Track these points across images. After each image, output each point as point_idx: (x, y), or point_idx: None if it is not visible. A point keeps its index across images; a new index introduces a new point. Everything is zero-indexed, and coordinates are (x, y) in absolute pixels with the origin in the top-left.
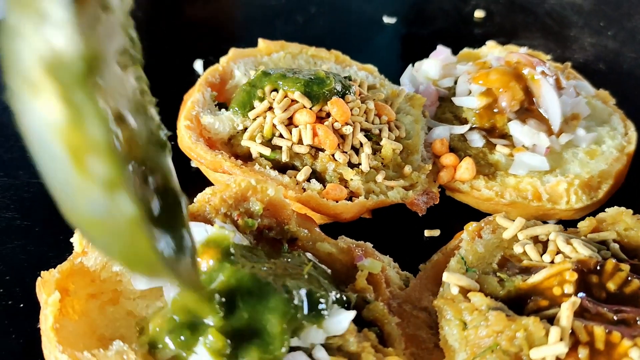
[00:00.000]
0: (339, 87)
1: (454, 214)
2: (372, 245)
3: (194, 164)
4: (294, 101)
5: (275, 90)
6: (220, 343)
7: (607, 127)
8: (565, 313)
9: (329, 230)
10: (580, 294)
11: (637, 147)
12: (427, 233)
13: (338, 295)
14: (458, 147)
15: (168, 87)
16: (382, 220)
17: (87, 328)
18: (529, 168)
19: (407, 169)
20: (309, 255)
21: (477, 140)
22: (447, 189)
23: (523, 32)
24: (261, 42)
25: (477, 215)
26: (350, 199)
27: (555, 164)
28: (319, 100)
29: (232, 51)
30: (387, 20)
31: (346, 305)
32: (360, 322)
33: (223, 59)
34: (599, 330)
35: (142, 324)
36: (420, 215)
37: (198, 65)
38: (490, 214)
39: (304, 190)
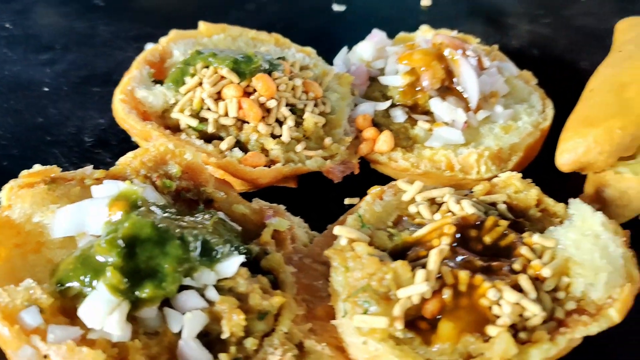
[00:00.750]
0: (266, 65)
1: (375, 184)
2: (285, 207)
3: (134, 139)
4: (223, 77)
5: (207, 67)
6: (116, 279)
7: (526, 105)
8: (433, 258)
9: (255, 197)
10: (453, 244)
11: (554, 125)
12: (347, 201)
13: (240, 247)
14: (382, 122)
15: (121, 69)
16: (307, 189)
17: (8, 272)
18: (445, 141)
19: (328, 140)
20: (220, 213)
21: (399, 116)
22: (369, 160)
23: (466, 19)
24: (201, 24)
25: None
26: (270, 166)
27: (472, 138)
28: (246, 76)
29: (173, 32)
30: (337, 8)
31: (248, 256)
32: (259, 271)
33: (163, 39)
34: (463, 274)
35: (55, 267)
36: (335, 182)
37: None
38: None
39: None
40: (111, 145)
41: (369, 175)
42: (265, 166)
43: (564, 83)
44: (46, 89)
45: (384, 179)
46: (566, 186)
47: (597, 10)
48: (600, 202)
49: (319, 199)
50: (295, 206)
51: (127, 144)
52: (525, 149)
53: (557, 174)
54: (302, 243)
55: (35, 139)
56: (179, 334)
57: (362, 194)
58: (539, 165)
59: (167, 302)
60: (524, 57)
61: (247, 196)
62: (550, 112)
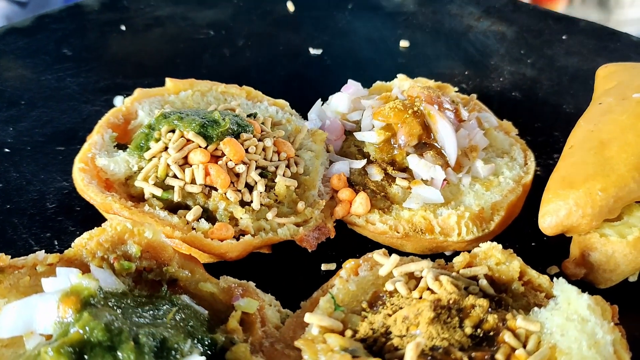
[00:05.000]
0: (234, 127)
1: (355, 246)
2: (255, 282)
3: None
4: (189, 141)
5: (172, 131)
6: None
7: (507, 158)
8: (409, 354)
9: (230, 267)
10: (430, 333)
11: (537, 177)
12: (323, 267)
13: (204, 339)
14: (358, 181)
15: (87, 125)
16: (280, 254)
17: None
18: (424, 201)
19: (300, 205)
20: (184, 297)
21: (375, 174)
22: (346, 222)
23: (445, 61)
24: (168, 81)
25: (377, 247)
26: (239, 237)
27: (452, 195)
28: (214, 140)
29: (138, 91)
30: (313, 51)
31: (213, 347)
32: None
33: (127, 100)
34: None
35: None
36: (309, 251)
37: (118, 101)
38: (389, 247)
39: (194, 229)
40: (75, 211)
41: (346, 237)
42: (234, 237)
43: (547, 130)
44: (7, 150)
45: (362, 240)
46: (551, 247)
47: (579, 49)
48: (586, 266)
49: (293, 265)
50: (267, 276)
51: (91, 210)
52: (507, 207)
53: (542, 234)
54: (273, 325)
55: None
56: None
57: (339, 257)
58: (523, 223)
59: None
60: (505, 100)
61: (216, 268)
62: (532, 165)
